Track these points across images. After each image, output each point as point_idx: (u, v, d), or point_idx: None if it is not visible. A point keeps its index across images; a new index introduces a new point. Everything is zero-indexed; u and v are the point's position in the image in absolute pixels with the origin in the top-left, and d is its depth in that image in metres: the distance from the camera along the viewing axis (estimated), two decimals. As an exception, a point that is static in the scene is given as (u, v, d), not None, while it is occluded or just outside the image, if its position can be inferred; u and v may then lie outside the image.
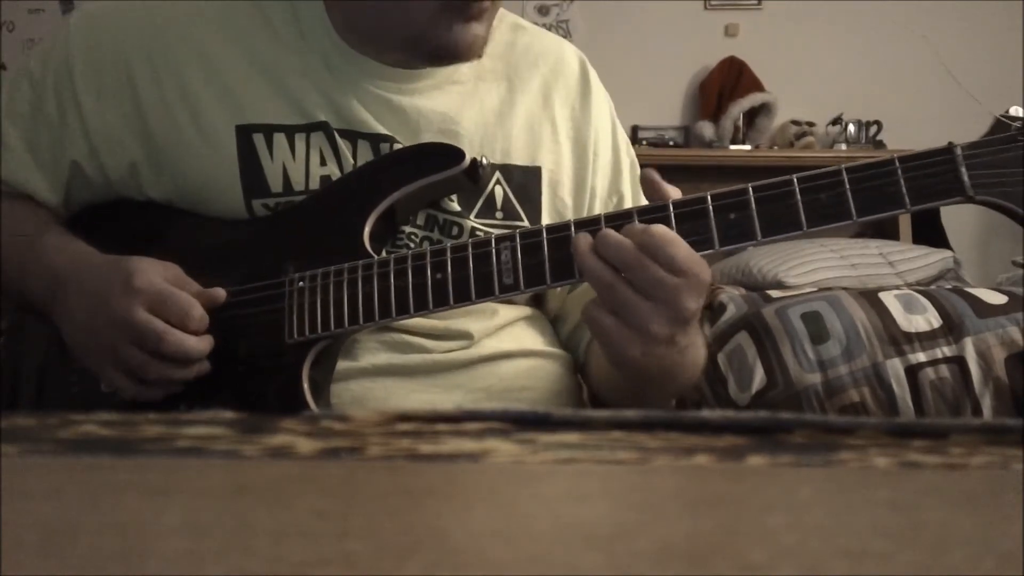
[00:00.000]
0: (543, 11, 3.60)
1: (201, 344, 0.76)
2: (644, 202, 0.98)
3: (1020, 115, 0.69)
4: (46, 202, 0.89)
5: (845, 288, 1.59)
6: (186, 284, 0.78)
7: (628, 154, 0.99)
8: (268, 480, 0.29)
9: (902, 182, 0.69)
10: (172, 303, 0.75)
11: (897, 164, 0.69)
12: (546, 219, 0.89)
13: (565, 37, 4.07)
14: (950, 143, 0.70)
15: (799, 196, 0.70)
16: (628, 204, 0.95)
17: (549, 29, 4.21)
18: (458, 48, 0.82)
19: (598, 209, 0.93)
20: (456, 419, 0.31)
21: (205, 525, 0.25)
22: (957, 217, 3.35)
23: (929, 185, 0.69)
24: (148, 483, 0.28)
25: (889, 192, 0.69)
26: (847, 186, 0.69)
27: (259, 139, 0.83)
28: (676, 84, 3.62)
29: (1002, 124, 0.70)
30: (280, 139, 0.83)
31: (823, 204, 0.69)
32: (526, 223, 0.88)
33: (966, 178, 0.68)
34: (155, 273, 0.76)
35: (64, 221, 0.89)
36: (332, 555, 0.22)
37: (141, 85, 0.85)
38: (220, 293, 0.79)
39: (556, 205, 0.91)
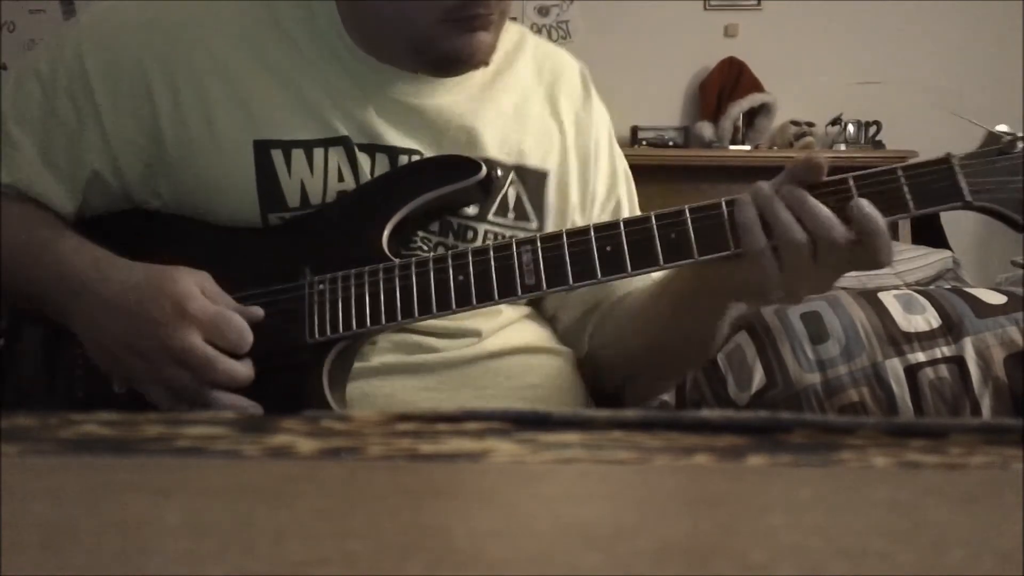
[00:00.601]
0: (543, 12, 3.60)
1: (249, 371, 0.77)
2: (636, 207, 1.01)
3: (1006, 130, 0.77)
4: (59, 209, 0.87)
5: (844, 288, 1.59)
6: (221, 298, 0.78)
7: (622, 162, 1.01)
8: (269, 480, 0.29)
9: (905, 188, 0.74)
10: (228, 330, 0.76)
11: (900, 172, 0.74)
12: (552, 221, 0.91)
13: (565, 37, 4.05)
14: (948, 154, 0.75)
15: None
16: (625, 207, 0.98)
17: (549, 29, 4.19)
18: (461, 57, 0.82)
19: (597, 211, 0.95)
20: (456, 419, 0.31)
21: (206, 525, 0.25)
22: (956, 218, 3.35)
23: (930, 192, 0.74)
24: (149, 483, 0.28)
25: (894, 198, 0.74)
26: (854, 193, 0.74)
27: (277, 155, 0.83)
28: (676, 84, 3.62)
29: (993, 137, 0.76)
30: (298, 155, 0.83)
31: (833, 210, 0.73)
32: (535, 224, 0.89)
33: (964, 185, 0.74)
34: (202, 294, 0.76)
35: (78, 226, 0.88)
36: (333, 555, 0.22)
37: (157, 90, 0.83)
38: (258, 312, 0.79)
39: (563, 207, 0.92)
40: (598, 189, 0.96)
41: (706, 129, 3.45)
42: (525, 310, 0.92)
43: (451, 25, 0.80)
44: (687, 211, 0.76)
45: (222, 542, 0.23)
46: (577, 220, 0.93)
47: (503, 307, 0.88)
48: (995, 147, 0.75)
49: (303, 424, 0.32)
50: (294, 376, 0.79)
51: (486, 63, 0.84)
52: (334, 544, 0.22)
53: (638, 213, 1.01)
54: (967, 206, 0.74)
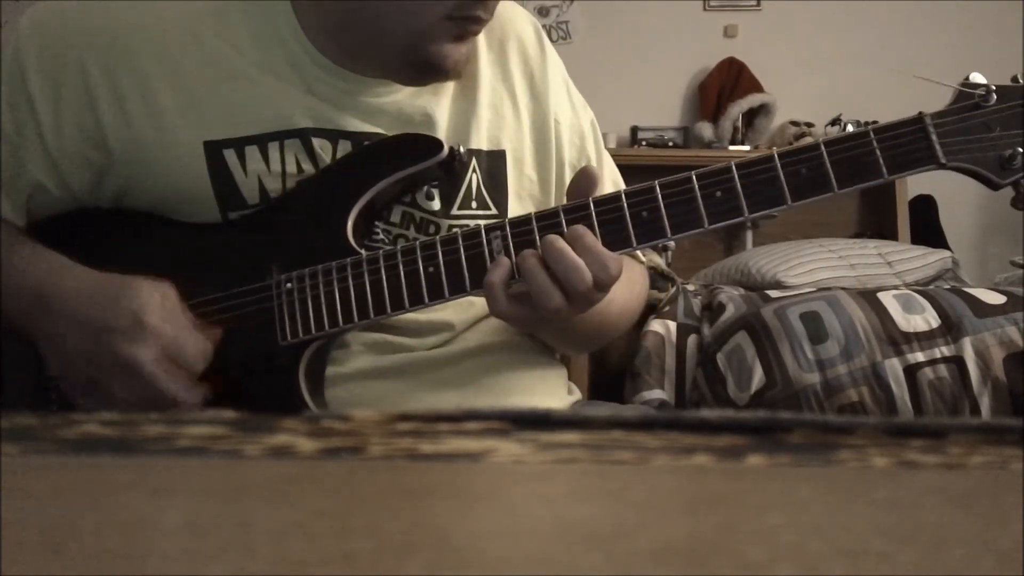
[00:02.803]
0: (543, 12, 3.60)
1: (199, 393, 0.75)
2: (607, 159, 0.99)
3: (981, 81, 0.72)
4: (11, 220, 0.84)
5: (844, 288, 1.59)
6: (183, 315, 0.76)
7: (586, 112, 0.98)
8: (269, 480, 0.29)
9: (878, 152, 0.72)
10: (186, 352, 0.74)
11: (872, 135, 0.72)
12: (512, 201, 0.89)
13: (565, 37, 4.05)
14: (920, 113, 0.73)
15: (781, 171, 0.72)
16: (593, 161, 0.96)
17: (549, 30, 4.17)
18: (444, 64, 0.81)
19: (568, 177, 0.93)
20: (456, 419, 0.31)
21: (206, 525, 0.25)
22: (956, 217, 3.35)
23: (903, 154, 0.72)
24: (149, 483, 0.28)
25: (866, 163, 0.72)
26: (826, 159, 0.72)
27: (230, 154, 0.80)
28: (675, 85, 3.62)
29: (964, 94, 0.73)
30: (252, 151, 0.80)
31: (805, 178, 0.72)
32: (493, 211, 0.88)
33: (937, 146, 0.71)
34: (162, 310, 0.75)
35: (33, 231, 0.85)
36: (333, 554, 0.22)
37: (100, 97, 0.80)
38: (217, 333, 0.78)
39: (523, 183, 0.90)
40: (565, 155, 0.93)
41: (706, 129, 3.45)
42: None
43: (449, 26, 0.78)
44: (657, 187, 0.74)
45: (222, 542, 0.23)
46: (537, 195, 0.91)
47: (475, 300, 0.86)
48: (970, 102, 0.72)
49: (303, 424, 0.32)
50: (269, 380, 0.78)
51: (459, 76, 0.84)
52: (334, 544, 0.23)
53: (608, 162, 0.99)
54: (941, 167, 0.72)
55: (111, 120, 0.80)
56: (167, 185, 0.81)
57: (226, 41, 0.82)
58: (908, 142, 0.72)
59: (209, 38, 0.82)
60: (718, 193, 0.73)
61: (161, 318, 0.74)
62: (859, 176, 0.72)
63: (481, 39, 0.90)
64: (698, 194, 0.73)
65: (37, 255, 0.80)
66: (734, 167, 0.73)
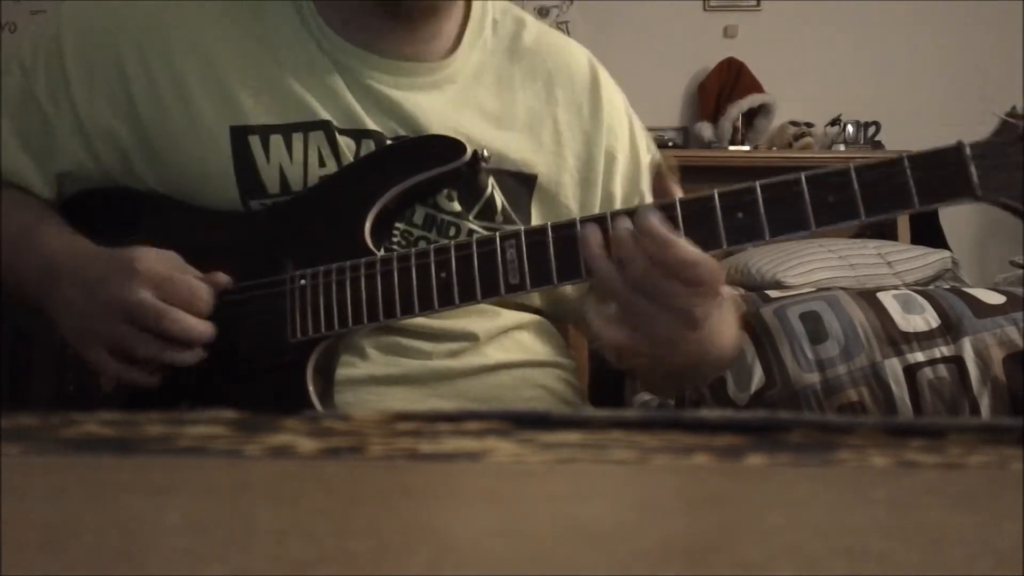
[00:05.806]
0: (543, 12, 3.60)
1: (206, 327, 0.75)
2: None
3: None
4: (39, 194, 0.87)
5: (843, 288, 1.59)
6: (186, 270, 0.77)
7: (649, 150, 0.98)
8: (269, 479, 0.29)
9: (911, 182, 0.68)
10: (178, 285, 0.75)
11: (907, 164, 0.68)
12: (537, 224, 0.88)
13: (564, 38, 3.97)
14: (959, 142, 0.69)
15: (807, 196, 0.69)
16: (648, 200, 0.94)
17: (548, 30, 4.12)
18: None
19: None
20: (456, 419, 0.31)
21: (206, 524, 0.25)
22: (955, 217, 3.35)
23: (938, 185, 0.68)
24: (150, 482, 0.28)
25: (898, 191, 0.68)
26: (856, 186, 0.68)
27: (255, 141, 0.81)
28: (675, 85, 3.62)
29: (1009, 125, 0.69)
30: (277, 140, 0.82)
31: (831, 204, 0.69)
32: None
33: (975, 178, 0.68)
34: (157, 259, 0.76)
35: (60, 210, 0.88)
36: (333, 554, 0.22)
37: (132, 78, 0.83)
38: (222, 277, 0.78)
39: (558, 212, 0.89)
40: (616, 190, 0.92)
41: (705, 129, 3.45)
42: (530, 317, 0.90)
43: None
44: (678, 205, 0.72)
45: (222, 542, 0.23)
46: None
47: (502, 311, 0.86)
48: (1013, 135, 0.68)
49: (304, 424, 0.32)
50: (277, 376, 0.78)
51: (434, 15, 0.85)
52: (334, 543, 0.23)
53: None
54: (976, 200, 0.68)
55: (142, 97, 0.83)
56: (191, 166, 0.82)
57: (254, 30, 0.84)
58: (944, 172, 0.68)
59: (238, 26, 0.84)
60: (739, 214, 0.70)
61: (151, 264, 0.75)
62: (889, 204, 0.68)
63: (527, 66, 0.91)
64: (719, 215, 0.70)
65: (61, 232, 0.83)
66: (758, 188, 0.70)
